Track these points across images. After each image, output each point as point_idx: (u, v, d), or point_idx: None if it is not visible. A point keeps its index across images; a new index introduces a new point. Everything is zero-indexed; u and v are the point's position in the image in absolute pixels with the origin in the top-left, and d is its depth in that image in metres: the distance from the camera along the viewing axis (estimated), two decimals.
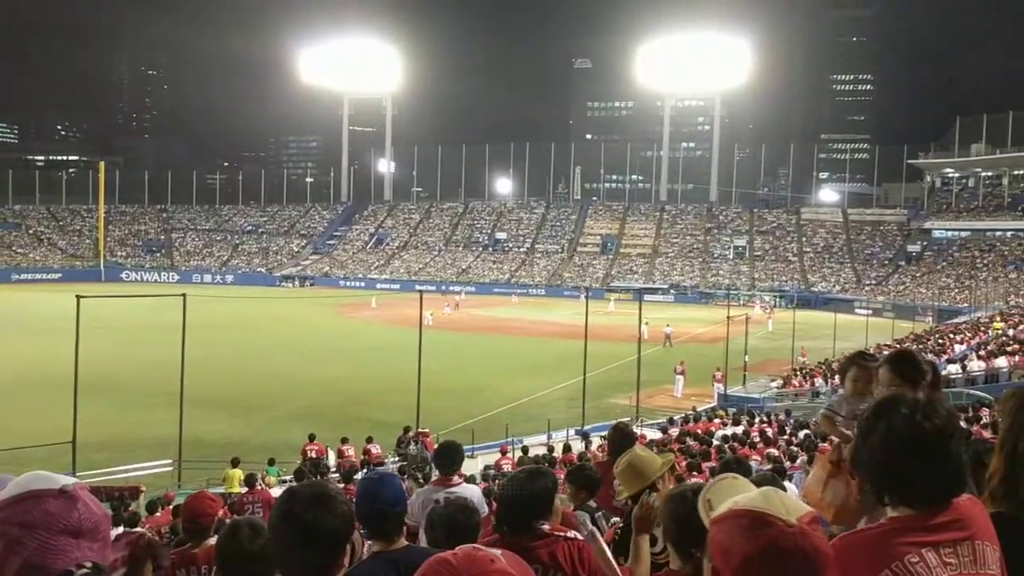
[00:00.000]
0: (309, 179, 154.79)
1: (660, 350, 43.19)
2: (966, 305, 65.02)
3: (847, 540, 1.98)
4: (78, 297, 19.71)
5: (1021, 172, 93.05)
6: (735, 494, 1.91)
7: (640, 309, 34.83)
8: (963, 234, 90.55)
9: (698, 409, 28.84)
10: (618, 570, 3.24)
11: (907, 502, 1.97)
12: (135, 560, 3.67)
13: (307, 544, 2.35)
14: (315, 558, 2.36)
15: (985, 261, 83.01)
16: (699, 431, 20.71)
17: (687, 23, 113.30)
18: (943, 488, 1.97)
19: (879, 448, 2.00)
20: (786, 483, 9.79)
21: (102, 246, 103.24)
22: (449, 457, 6.31)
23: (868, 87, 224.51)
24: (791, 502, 1.78)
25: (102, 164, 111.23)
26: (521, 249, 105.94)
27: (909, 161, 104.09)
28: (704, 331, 52.37)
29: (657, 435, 21.49)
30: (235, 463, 17.70)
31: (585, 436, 22.33)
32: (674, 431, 21.79)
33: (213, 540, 4.91)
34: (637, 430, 17.21)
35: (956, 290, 75.98)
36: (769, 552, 1.67)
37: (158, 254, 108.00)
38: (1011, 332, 35.51)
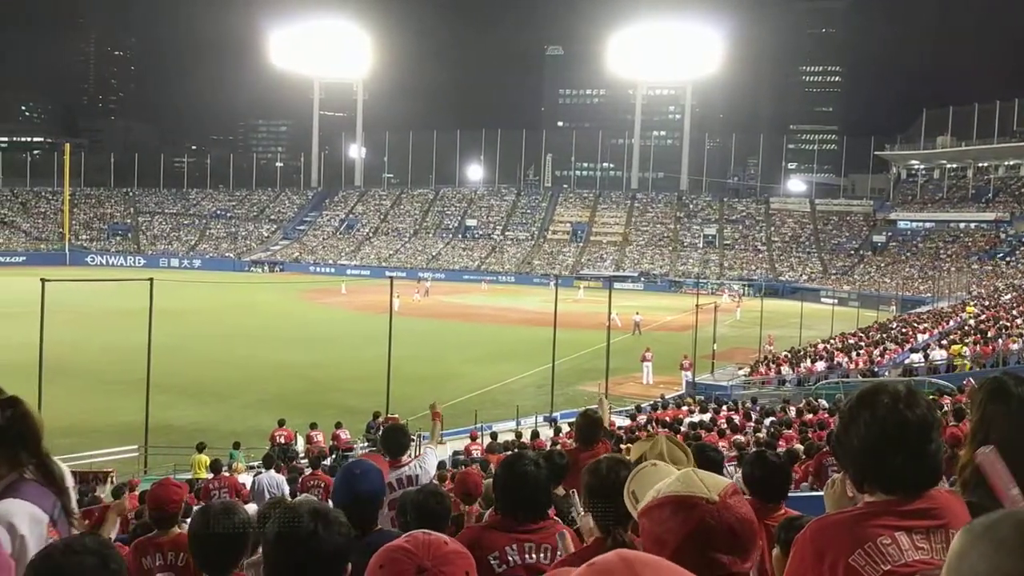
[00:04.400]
0: (279, 164, 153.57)
1: (629, 338, 43.39)
2: (929, 295, 65.94)
3: (822, 522, 2.04)
4: (43, 281, 19.45)
5: (985, 164, 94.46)
6: (657, 482, 1.95)
7: (610, 297, 34.95)
8: (927, 225, 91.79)
9: (666, 397, 29.06)
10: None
11: (885, 488, 2.02)
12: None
13: (309, 562, 2.24)
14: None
15: (949, 252, 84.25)
16: (667, 418, 20.90)
17: (659, 11, 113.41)
18: (921, 476, 2.02)
19: (861, 436, 2.05)
20: None
21: (67, 229, 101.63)
22: (395, 441, 6.41)
23: (836, 79, 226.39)
24: (710, 478, 1.83)
25: (67, 146, 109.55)
26: (491, 236, 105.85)
27: (876, 152, 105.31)
28: (673, 319, 52.73)
29: (626, 422, 21.64)
30: (201, 448, 17.61)
31: (554, 423, 22.44)
32: (642, 418, 21.96)
33: (178, 528, 4.91)
34: (605, 417, 17.25)
35: (919, 280, 77.04)
36: (699, 532, 1.73)
37: (124, 238, 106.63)
38: (972, 322, 36.12)
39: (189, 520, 4.07)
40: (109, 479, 14.41)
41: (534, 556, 3.45)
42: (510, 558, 3.45)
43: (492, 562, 3.42)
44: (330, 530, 2.26)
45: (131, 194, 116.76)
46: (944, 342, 31.13)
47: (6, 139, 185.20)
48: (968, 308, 42.78)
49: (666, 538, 1.76)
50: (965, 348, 29.22)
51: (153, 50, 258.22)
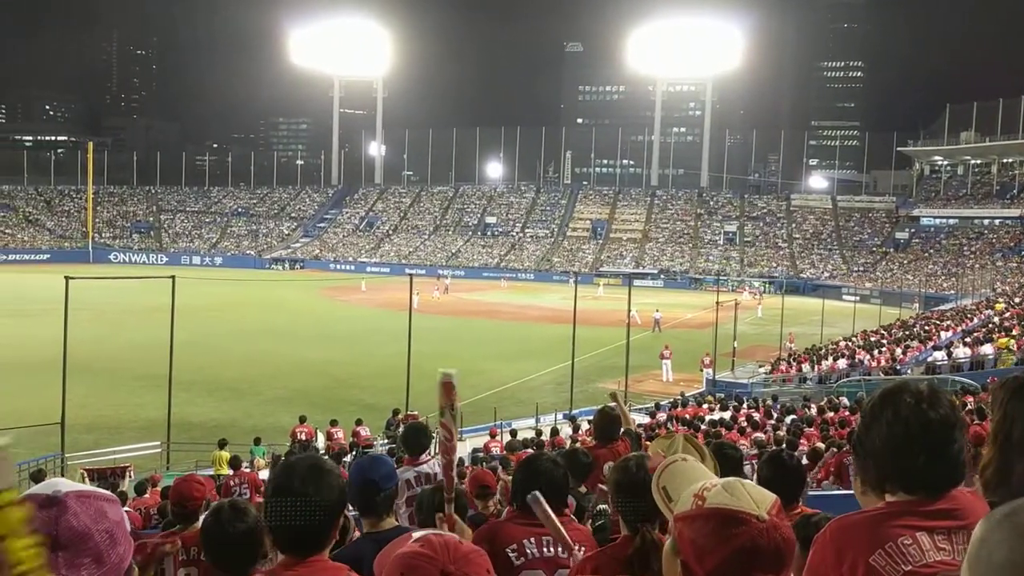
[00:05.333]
0: (299, 162, 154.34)
1: (649, 335, 43.28)
2: (952, 292, 65.34)
3: (843, 521, 2.01)
4: (67, 278, 19.63)
5: (1010, 160, 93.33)
6: (691, 478, 1.91)
7: (629, 294, 34.84)
8: (951, 222, 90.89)
9: (686, 394, 28.96)
10: (563, 531, 3.25)
11: (907, 489, 2.00)
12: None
13: (301, 515, 2.42)
14: (307, 528, 2.43)
15: (973, 249, 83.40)
16: (687, 416, 20.84)
17: (679, 7, 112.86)
18: (943, 477, 2.00)
19: (883, 435, 2.03)
20: None
21: (90, 227, 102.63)
22: (415, 440, 6.48)
23: (858, 74, 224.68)
24: (757, 492, 1.79)
25: (90, 145, 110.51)
26: (511, 233, 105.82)
27: (898, 149, 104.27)
28: (693, 316, 52.51)
29: (645, 419, 21.59)
30: (222, 445, 17.75)
31: (573, 420, 22.42)
32: (662, 416, 21.91)
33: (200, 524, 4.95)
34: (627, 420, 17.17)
35: (943, 277, 76.33)
36: (746, 550, 1.69)
37: (146, 236, 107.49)
38: (996, 319, 35.74)
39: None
40: (127, 474, 14.55)
41: (552, 549, 3.45)
42: (528, 551, 3.45)
43: (510, 555, 3.42)
44: (322, 485, 2.46)
45: (153, 192, 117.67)
46: (968, 340, 30.81)
47: (30, 138, 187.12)
48: (997, 305, 42.34)
49: (708, 551, 1.72)
50: (1012, 341, 28.21)
51: (175, 49, 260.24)
